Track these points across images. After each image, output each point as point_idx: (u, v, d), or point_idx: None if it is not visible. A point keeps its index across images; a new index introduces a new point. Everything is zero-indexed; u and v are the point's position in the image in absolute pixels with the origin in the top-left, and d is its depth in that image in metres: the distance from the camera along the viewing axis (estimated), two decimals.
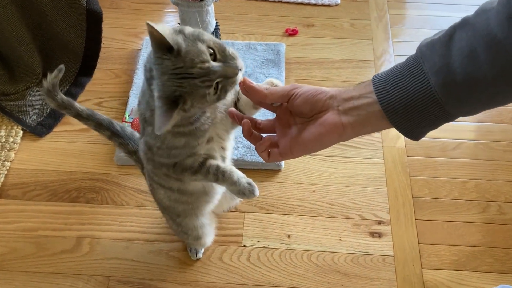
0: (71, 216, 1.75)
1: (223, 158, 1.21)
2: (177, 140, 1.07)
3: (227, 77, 0.91)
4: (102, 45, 2.16)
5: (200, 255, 1.65)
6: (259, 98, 1.00)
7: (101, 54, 2.17)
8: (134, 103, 2.00)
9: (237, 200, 1.67)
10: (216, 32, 1.74)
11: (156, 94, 0.89)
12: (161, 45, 0.86)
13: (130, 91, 2.05)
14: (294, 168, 1.88)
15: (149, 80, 0.93)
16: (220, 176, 1.11)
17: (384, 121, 0.86)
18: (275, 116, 1.03)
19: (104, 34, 2.16)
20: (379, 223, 1.74)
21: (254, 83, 1.00)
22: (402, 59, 0.87)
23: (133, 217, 1.75)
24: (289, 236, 1.70)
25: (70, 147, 1.94)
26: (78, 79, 2.09)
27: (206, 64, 0.87)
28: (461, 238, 1.70)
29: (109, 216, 1.75)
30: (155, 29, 0.82)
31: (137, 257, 1.65)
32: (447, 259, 1.65)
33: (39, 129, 1.95)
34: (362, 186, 1.83)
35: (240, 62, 0.94)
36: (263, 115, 1.73)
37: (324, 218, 1.75)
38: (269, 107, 1.02)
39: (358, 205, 1.78)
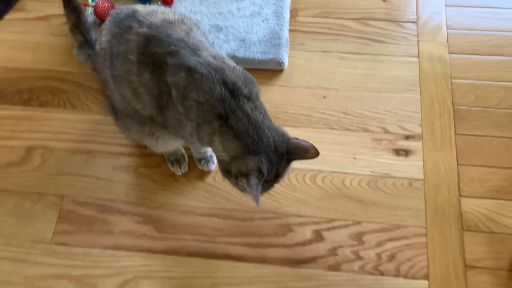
0: (21, 122, 1.42)
1: None
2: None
3: None
4: None
5: (185, 169, 1.32)
6: None
7: None
8: None
9: None
10: None
11: None
12: None
13: None
14: (299, 68, 1.48)
15: None
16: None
17: None
18: None
19: None
20: (407, 137, 1.35)
21: None
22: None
23: (95, 125, 1.40)
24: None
25: (24, 39, 1.57)
26: None
27: None
28: None
29: (67, 123, 1.41)
30: None
31: (98, 173, 1.33)
32: (494, 185, 1.26)
33: None
34: (388, 91, 1.42)
35: None
36: None
37: (335, 131, 1.37)
38: None
39: (381, 115, 1.39)
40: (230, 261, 1.20)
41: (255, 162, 0.96)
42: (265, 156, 0.97)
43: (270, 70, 1.46)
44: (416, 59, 1.47)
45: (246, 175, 0.96)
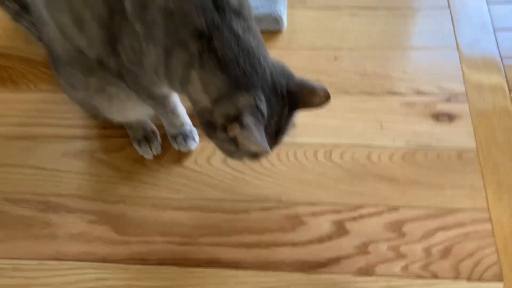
0: None
1: None
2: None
3: None
4: None
5: (157, 150, 0.99)
6: None
7: None
8: None
9: None
10: None
11: None
12: None
13: None
14: (302, 28, 1.18)
15: None
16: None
17: None
18: None
19: None
20: (448, 99, 1.03)
21: None
22: None
23: (42, 105, 1.09)
24: (294, 125, 1.02)
25: None
26: None
27: None
28: None
29: (6, 104, 1.10)
30: None
31: (43, 163, 1.00)
32: None
33: None
34: (415, 48, 1.12)
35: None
36: None
37: (352, 97, 1.05)
38: None
39: (410, 75, 1.07)
40: (220, 269, 0.85)
41: (247, 99, 0.65)
42: (261, 92, 0.66)
43: (266, 31, 1.16)
44: (447, 11, 1.18)
45: (237, 118, 0.64)
